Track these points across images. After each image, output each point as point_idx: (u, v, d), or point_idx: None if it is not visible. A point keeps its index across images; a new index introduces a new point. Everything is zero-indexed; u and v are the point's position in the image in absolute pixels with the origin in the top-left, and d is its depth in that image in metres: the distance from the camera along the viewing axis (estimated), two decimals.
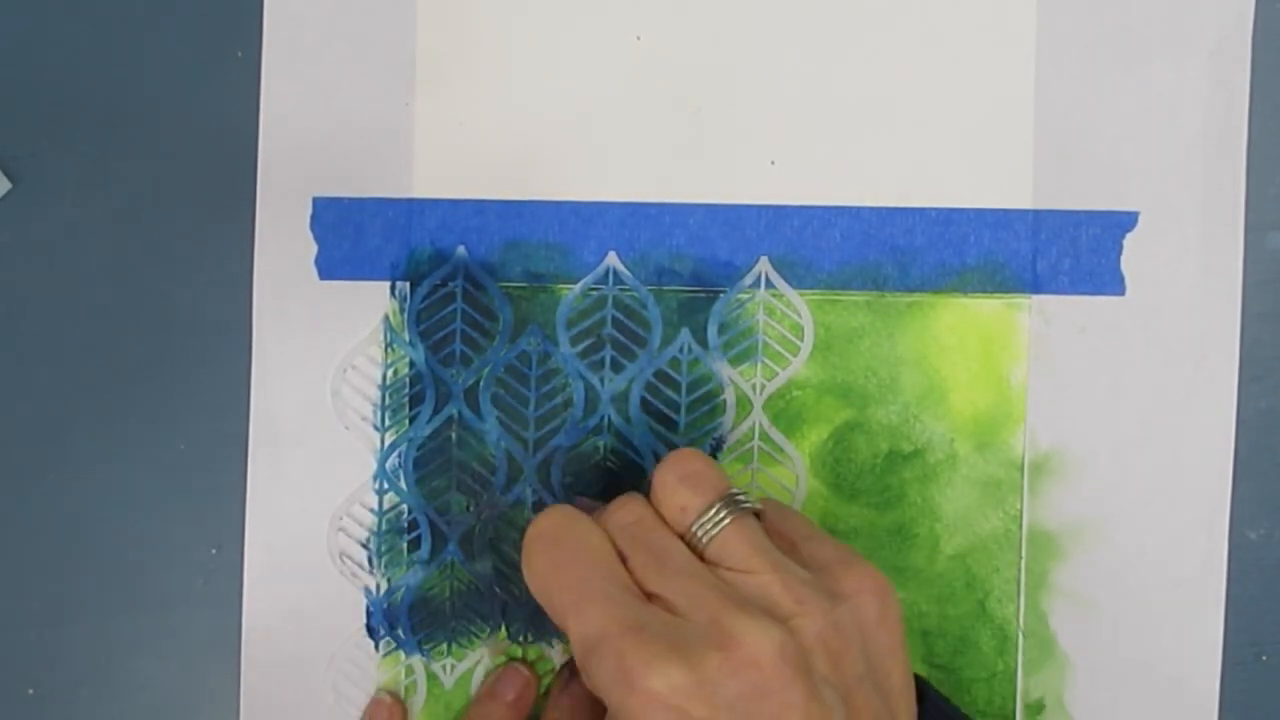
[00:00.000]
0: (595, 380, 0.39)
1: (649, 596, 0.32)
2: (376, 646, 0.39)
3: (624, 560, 0.33)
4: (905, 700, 0.33)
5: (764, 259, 0.39)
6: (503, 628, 0.39)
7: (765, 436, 0.39)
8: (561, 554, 0.33)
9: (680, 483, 0.34)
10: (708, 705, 0.29)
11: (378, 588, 0.39)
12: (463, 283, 0.39)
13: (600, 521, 0.34)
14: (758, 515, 0.34)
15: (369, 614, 0.39)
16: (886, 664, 0.32)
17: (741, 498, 0.34)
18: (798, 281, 0.39)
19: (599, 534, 0.33)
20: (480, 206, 0.39)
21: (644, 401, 0.39)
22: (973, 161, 0.39)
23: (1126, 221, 0.39)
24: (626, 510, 0.34)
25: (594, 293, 0.39)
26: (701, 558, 0.33)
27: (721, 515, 0.33)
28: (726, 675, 0.30)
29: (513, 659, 0.39)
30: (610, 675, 0.30)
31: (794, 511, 0.36)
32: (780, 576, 0.32)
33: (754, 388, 0.39)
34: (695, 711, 0.29)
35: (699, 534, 0.33)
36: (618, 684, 0.30)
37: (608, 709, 0.31)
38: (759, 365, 0.39)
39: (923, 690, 0.34)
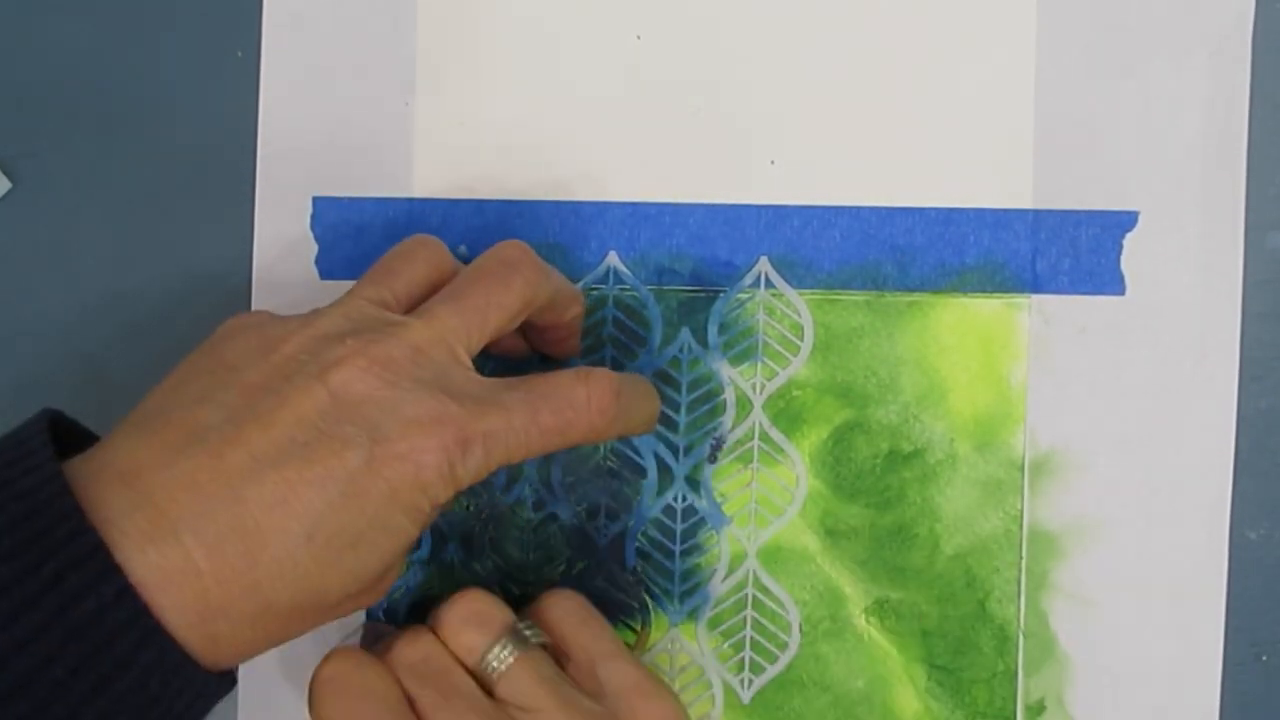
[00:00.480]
0: None
1: None
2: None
3: (413, 702, 0.33)
4: None
5: (764, 259, 0.39)
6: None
7: (765, 436, 0.39)
8: (348, 703, 0.33)
9: (464, 624, 0.34)
10: None
11: None
12: None
13: (388, 660, 0.34)
14: (546, 647, 0.34)
15: (369, 614, 0.39)
16: None
17: (527, 632, 0.34)
18: (798, 281, 0.39)
19: (385, 678, 0.33)
20: (480, 206, 0.39)
21: None
22: (973, 161, 0.39)
23: (1126, 221, 0.39)
24: (413, 648, 0.34)
25: (594, 292, 0.39)
26: (493, 696, 0.33)
27: (506, 652, 0.33)
28: None
29: None
30: None
31: (596, 625, 0.36)
32: (566, 711, 0.32)
33: (754, 387, 0.39)
34: None
35: (487, 671, 0.33)
36: None
37: None
38: (759, 365, 0.39)
39: None
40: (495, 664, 0.33)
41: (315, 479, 0.29)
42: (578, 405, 0.33)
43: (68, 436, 0.31)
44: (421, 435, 0.30)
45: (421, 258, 0.35)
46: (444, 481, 0.31)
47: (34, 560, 0.27)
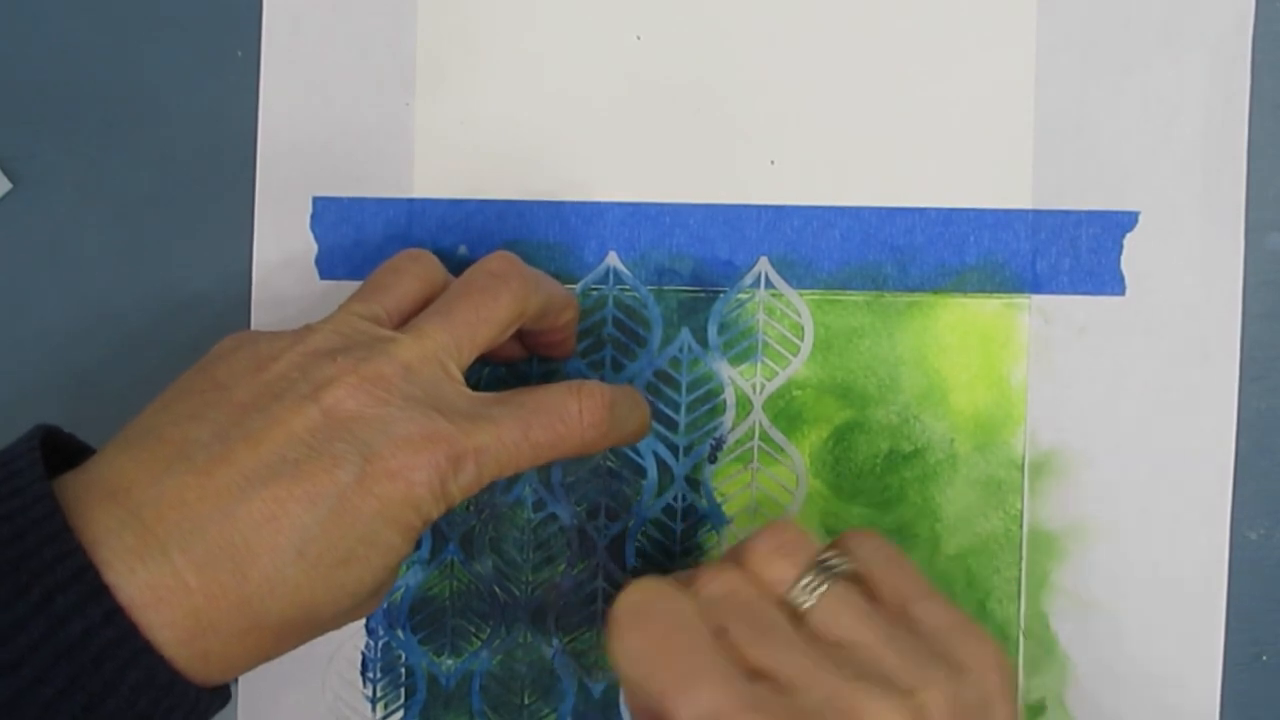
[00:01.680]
0: (595, 380, 0.39)
1: (753, 673, 0.30)
2: (376, 646, 0.39)
3: (723, 635, 0.30)
4: None
5: (764, 259, 0.39)
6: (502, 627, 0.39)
7: (765, 436, 0.39)
8: (657, 629, 0.30)
9: (773, 554, 0.32)
10: None
11: None
12: None
13: (694, 592, 0.31)
14: (856, 577, 0.32)
15: (367, 622, 0.39)
16: None
17: (835, 561, 0.32)
18: (798, 281, 0.39)
19: (692, 605, 0.31)
20: (480, 206, 0.39)
21: None
22: (973, 161, 0.39)
23: (1126, 221, 0.39)
24: (720, 581, 0.31)
25: (594, 292, 0.39)
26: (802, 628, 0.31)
27: (818, 583, 0.31)
28: None
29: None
30: None
31: (900, 564, 0.33)
32: (893, 647, 0.30)
33: (754, 387, 0.39)
34: None
35: (798, 604, 0.31)
36: None
37: None
38: (759, 365, 0.39)
39: None
40: (805, 596, 0.31)
41: (306, 496, 0.29)
42: (569, 419, 0.33)
43: (64, 450, 0.31)
44: (413, 453, 0.30)
45: (412, 272, 0.35)
46: (435, 498, 0.31)
47: (23, 582, 0.27)
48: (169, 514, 0.29)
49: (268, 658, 0.31)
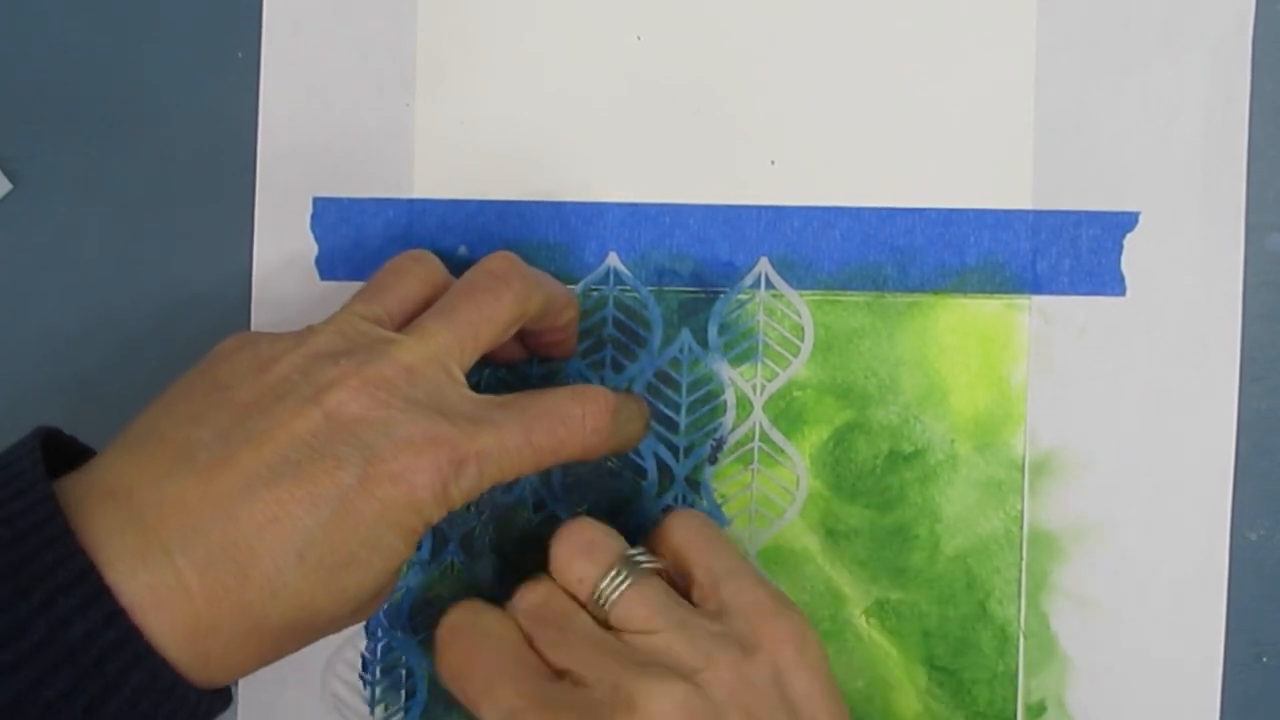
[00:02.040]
0: (596, 380, 0.39)
1: (558, 674, 0.32)
2: (376, 647, 0.39)
3: (532, 642, 0.33)
4: None
5: (764, 259, 0.39)
6: None
7: (765, 437, 0.39)
8: (469, 644, 0.33)
9: (574, 555, 0.34)
10: None
11: None
12: None
13: (508, 607, 0.34)
14: (660, 572, 0.34)
15: (368, 622, 0.39)
16: (809, 710, 0.32)
17: (641, 558, 0.34)
18: (798, 282, 0.39)
19: (505, 621, 0.34)
20: (480, 206, 0.39)
21: None
22: (973, 162, 0.39)
23: (1126, 222, 0.39)
24: (533, 593, 0.34)
25: (594, 293, 0.39)
26: (608, 627, 0.33)
27: (619, 579, 0.33)
28: None
29: None
30: None
31: (719, 543, 0.35)
32: (684, 633, 0.32)
33: (754, 388, 0.39)
34: None
35: (600, 602, 0.33)
36: None
37: None
38: (759, 365, 0.39)
39: None
40: (608, 593, 0.33)
41: (307, 498, 0.29)
42: (572, 424, 0.33)
43: (64, 452, 0.31)
44: (415, 455, 0.30)
45: (414, 273, 0.35)
46: (437, 501, 0.31)
47: (24, 584, 0.27)
48: (170, 516, 0.29)
49: (268, 661, 0.31)
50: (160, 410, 0.31)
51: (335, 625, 0.31)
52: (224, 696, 0.31)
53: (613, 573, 0.33)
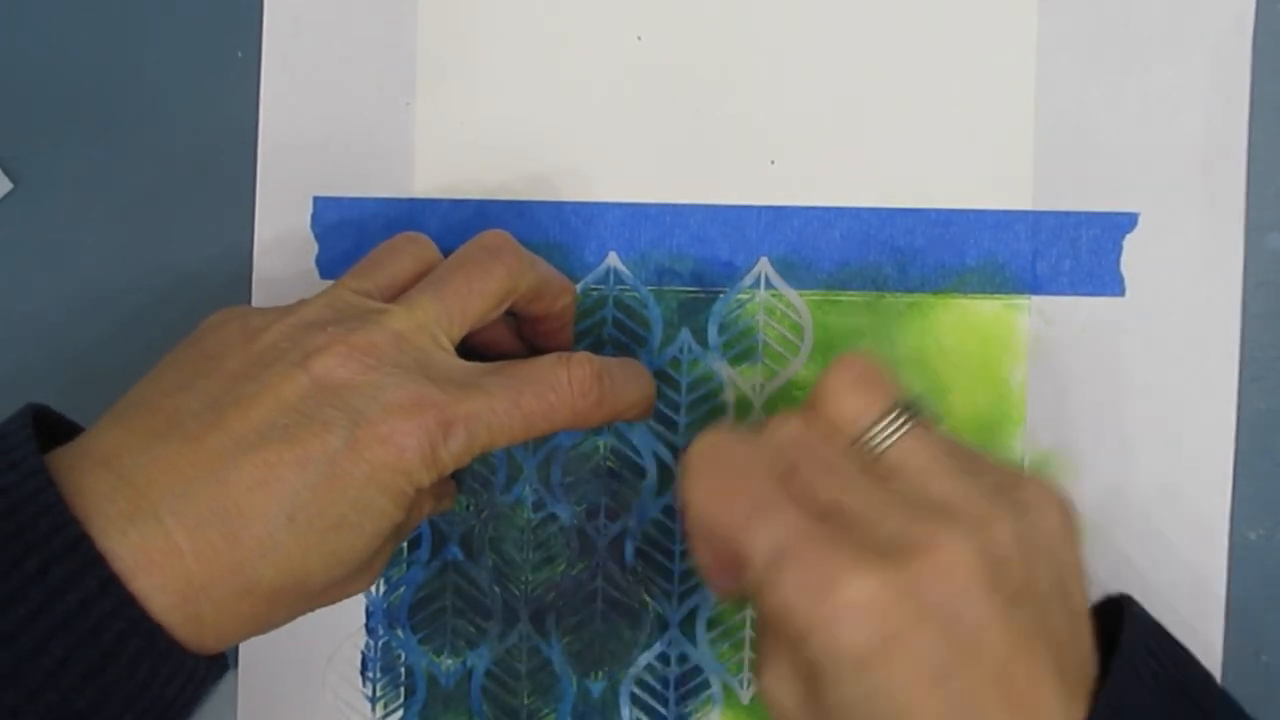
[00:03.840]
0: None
1: (822, 510, 0.29)
2: (376, 646, 0.39)
3: (793, 473, 0.30)
4: (1086, 624, 0.30)
5: (764, 259, 0.39)
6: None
7: None
8: (726, 472, 0.30)
9: (853, 387, 0.31)
10: (907, 613, 0.27)
11: (377, 588, 0.39)
12: None
13: (761, 440, 0.31)
14: (935, 422, 0.32)
15: (368, 614, 0.39)
16: (1070, 584, 0.30)
17: (922, 403, 0.31)
18: (798, 282, 0.39)
19: (764, 450, 0.30)
20: (480, 206, 0.39)
21: None
22: (973, 162, 0.39)
23: (1126, 223, 0.39)
24: (788, 427, 0.31)
25: (594, 293, 0.39)
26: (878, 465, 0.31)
27: (903, 421, 0.30)
28: (927, 580, 0.27)
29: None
30: (799, 585, 0.28)
31: (965, 442, 0.33)
32: (963, 484, 0.30)
33: (754, 388, 0.39)
34: (895, 619, 0.27)
35: (875, 441, 0.30)
36: (809, 593, 0.27)
37: (787, 629, 0.28)
38: (759, 365, 0.39)
39: (1124, 607, 0.31)
40: (887, 434, 0.30)
41: (296, 460, 0.29)
42: (559, 388, 0.33)
43: (54, 430, 0.32)
44: (402, 418, 0.30)
45: (409, 253, 0.35)
46: (425, 464, 0.31)
47: (18, 554, 0.27)
48: (160, 478, 0.29)
49: (262, 627, 0.31)
50: (150, 381, 0.32)
51: (328, 593, 0.31)
52: (220, 665, 0.31)
53: (894, 413, 0.30)
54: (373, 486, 0.30)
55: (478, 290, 0.34)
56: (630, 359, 0.37)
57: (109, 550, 0.28)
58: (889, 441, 0.30)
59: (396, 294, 0.34)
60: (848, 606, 0.27)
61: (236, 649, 0.39)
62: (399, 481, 0.31)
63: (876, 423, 0.31)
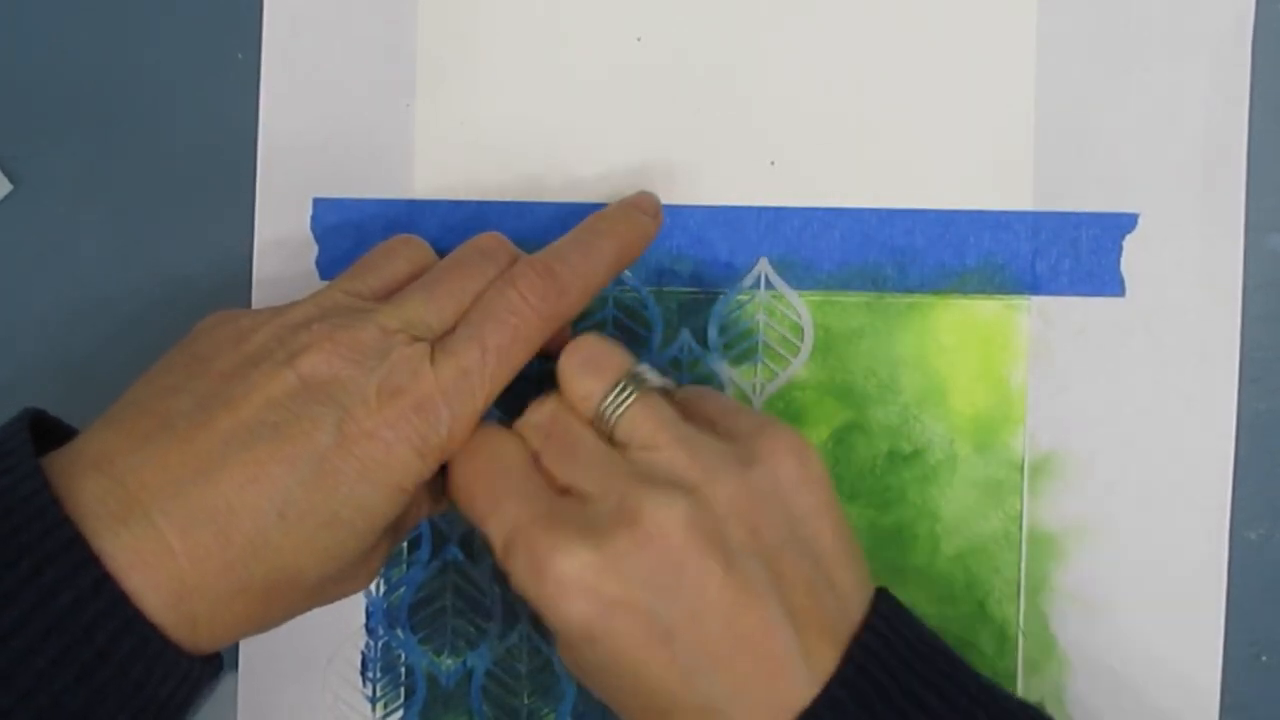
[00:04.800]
0: None
1: (563, 490, 0.32)
2: (376, 646, 0.39)
3: (539, 460, 0.33)
4: (842, 560, 0.32)
5: (764, 260, 0.39)
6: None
7: None
8: (477, 463, 0.32)
9: (581, 369, 0.33)
10: (620, 583, 0.29)
11: (377, 587, 0.39)
12: None
13: (517, 426, 0.34)
14: (668, 393, 0.34)
15: (368, 614, 0.39)
16: (813, 525, 0.32)
17: (647, 375, 0.33)
18: (797, 282, 0.39)
19: (513, 440, 0.33)
20: (480, 207, 0.39)
21: None
22: (973, 162, 0.39)
23: (1126, 223, 0.39)
24: (540, 410, 0.34)
25: None
26: (613, 443, 0.33)
27: (625, 394, 0.33)
28: (634, 550, 0.29)
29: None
30: (524, 567, 0.30)
31: (716, 392, 0.36)
32: (686, 448, 0.31)
33: (754, 388, 0.39)
34: (607, 590, 0.29)
35: (606, 416, 0.33)
36: (531, 574, 0.30)
37: (531, 608, 0.31)
38: (759, 366, 0.39)
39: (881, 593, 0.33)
40: (613, 409, 0.33)
41: (285, 458, 0.30)
42: (515, 307, 0.33)
43: (52, 433, 0.32)
44: (381, 410, 0.31)
45: (403, 255, 0.35)
46: (418, 454, 0.31)
47: (13, 555, 0.28)
48: (151, 479, 0.29)
49: (258, 626, 0.31)
50: (143, 384, 0.32)
51: (323, 591, 0.32)
52: (215, 665, 0.31)
53: (618, 388, 0.33)
54: (365, 483, 0.30)
55: (470, 292, 0.34)
56: (587, 221, 0.36)
57: (102, 551, 0.28)
58: (615, 416, 0.32)
59: (390, 295, 0.34)
60: (560, 584, 0.29)
61: (236, 649, 0.39)
62: (393, 477, 0.31)
63: (603, 399, 0.33)
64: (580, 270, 0.34)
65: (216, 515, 0.29)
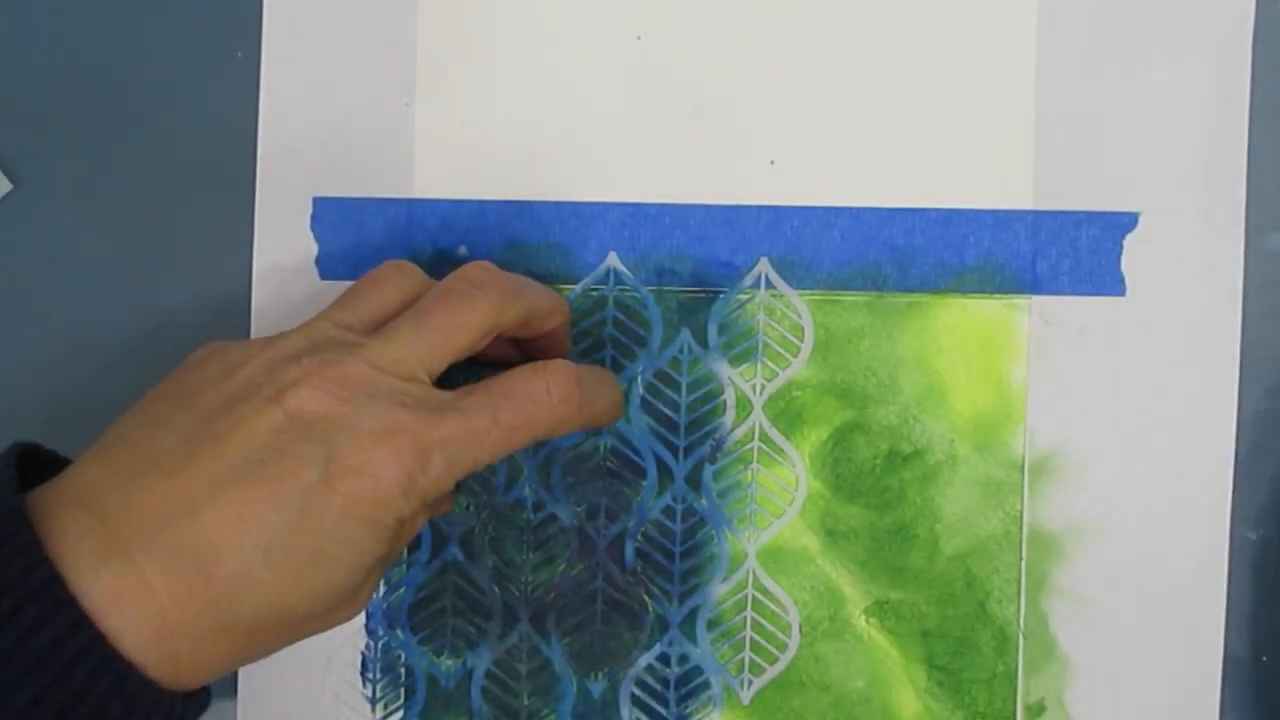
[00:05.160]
0: None
1: None
2: (376, 647, 0.39)
3: None
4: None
5: (764, 259, 0.39)
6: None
7: (765, 437, 0.39)
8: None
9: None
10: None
11: (378, 588, 0.39)
12: None
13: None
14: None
15: (369, 614, 0.39)
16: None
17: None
18: (798, 282, 0.39)
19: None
20: (480, 207, 0.39)
21: (644, 402, 0.39)
22: (973, 161, 0.39)
23: (1126, 222, 0.39)
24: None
25: (594, 293, 0.39)
26: None
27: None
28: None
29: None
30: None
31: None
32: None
33: (754, 388, 0.39)
34: None
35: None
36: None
37: None
38: (759, 366, 0.39)
39: None
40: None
41: (270, 496, 0.29)
42: (538, 399, 0.33)
43: (47, 466, 0.32)
44: (377, 448, 0.30)
45: (394, 283, 0.35)
46: (405, 494, 0.31)
47: None
48: (134, 516, 0.29)
49: (245, 660, 0.31)
50: (130, 417, 0.32)
51: (311, 624, 0.31)
52: (199, 699, 0.31)
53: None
54: (350, 520, 0.30)
55: (460, 323, 0.33)
56: (597, 366, 0.38)
57: (81, 590, 0.28)
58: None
59: (381, 325, 0.34)
60: None
61: None
62: (377, 513, 0.30)
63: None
64: (595, 398, 0.35)
65: (199, 553, 0.29)
